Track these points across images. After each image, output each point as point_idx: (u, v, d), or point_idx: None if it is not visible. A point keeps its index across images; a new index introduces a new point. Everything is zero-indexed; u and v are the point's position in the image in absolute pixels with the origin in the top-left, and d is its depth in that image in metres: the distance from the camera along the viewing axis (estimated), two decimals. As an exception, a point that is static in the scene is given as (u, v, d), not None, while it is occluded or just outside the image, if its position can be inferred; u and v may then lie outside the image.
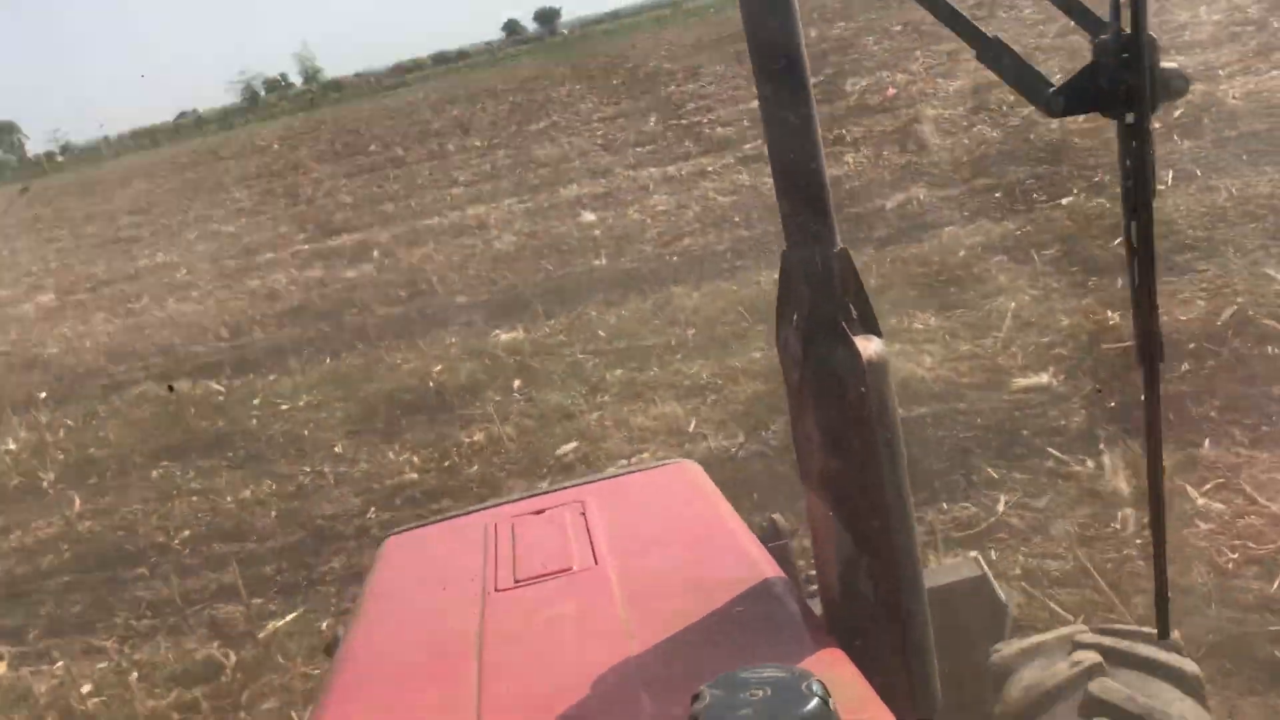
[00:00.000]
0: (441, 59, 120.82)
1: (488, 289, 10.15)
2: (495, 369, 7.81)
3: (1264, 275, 5.95)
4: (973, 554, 2.79)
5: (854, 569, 1.68)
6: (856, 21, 28.87)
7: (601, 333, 8.05)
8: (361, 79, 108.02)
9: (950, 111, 12.67)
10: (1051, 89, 1.23)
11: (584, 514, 2.17)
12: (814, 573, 1.99)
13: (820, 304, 1.59)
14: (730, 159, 13.00)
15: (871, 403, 1.59)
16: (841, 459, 1.63)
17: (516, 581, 1.93)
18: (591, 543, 2.01)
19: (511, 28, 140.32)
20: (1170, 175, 8.20)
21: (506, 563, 2.01)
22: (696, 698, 1.11)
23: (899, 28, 23.98)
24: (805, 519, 1.85)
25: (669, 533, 2.11)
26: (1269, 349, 5.20)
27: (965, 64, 16.33)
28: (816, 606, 1.87)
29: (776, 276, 1.65)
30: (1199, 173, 8.07)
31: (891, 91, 15.04)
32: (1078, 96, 1.21)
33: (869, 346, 1.59)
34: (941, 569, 2.56)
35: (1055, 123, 11.09)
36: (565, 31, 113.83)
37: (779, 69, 1.53)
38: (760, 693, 1.10)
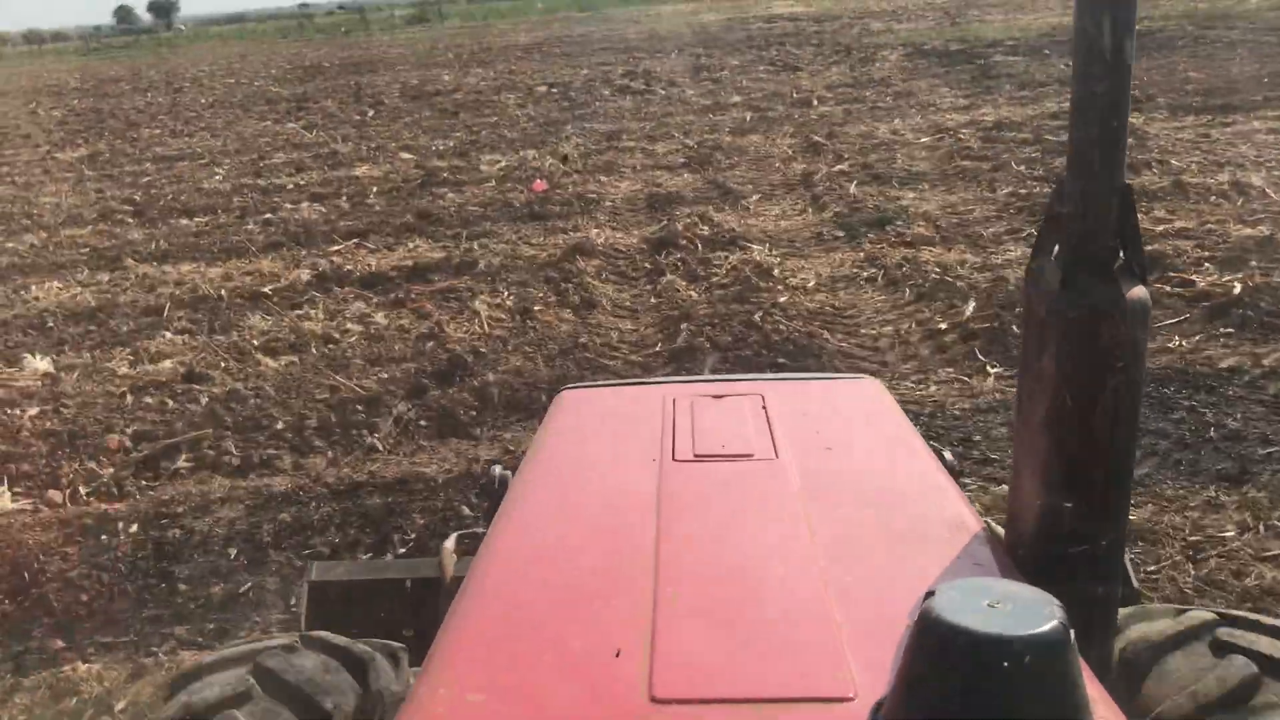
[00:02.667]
0: (34, 37, 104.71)
1: None
2: None
3: None
4: None
5: (1058, 514, 1.51)
6: (495, 70, 24.78)
7: None
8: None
9: (627, 238, 8.75)
10: None
11: (764, 407, 1.99)
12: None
13: (1090, 238, 1.43)
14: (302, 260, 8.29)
15: (1124, 349, 1.43)
16: (1076, 401, 1.45)
17: (696, 456, 1.80)
18: (772, 435, 1.86)
19: (123, 15, 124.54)
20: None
21: (685, 436, 1.87)
22: (931, 593, 1.01)
23: (545, 88, 20.14)
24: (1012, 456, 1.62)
25: (853, 440, 1.96)
26: None
27: (631, 156, 12.65)
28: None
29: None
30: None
31: (541, 185, 10.96)
32: None
33: (1133, 291, 1.43)
34: None
35: (811, 299, 7.46)
36: (182, 27, 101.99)
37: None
38: (1000, 605, 0.98)
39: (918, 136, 12.09)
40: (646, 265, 7.92)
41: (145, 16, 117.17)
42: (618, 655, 1.32)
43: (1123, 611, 1.73)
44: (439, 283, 7.74)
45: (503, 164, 12.51)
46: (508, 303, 7.25)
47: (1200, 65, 15.78)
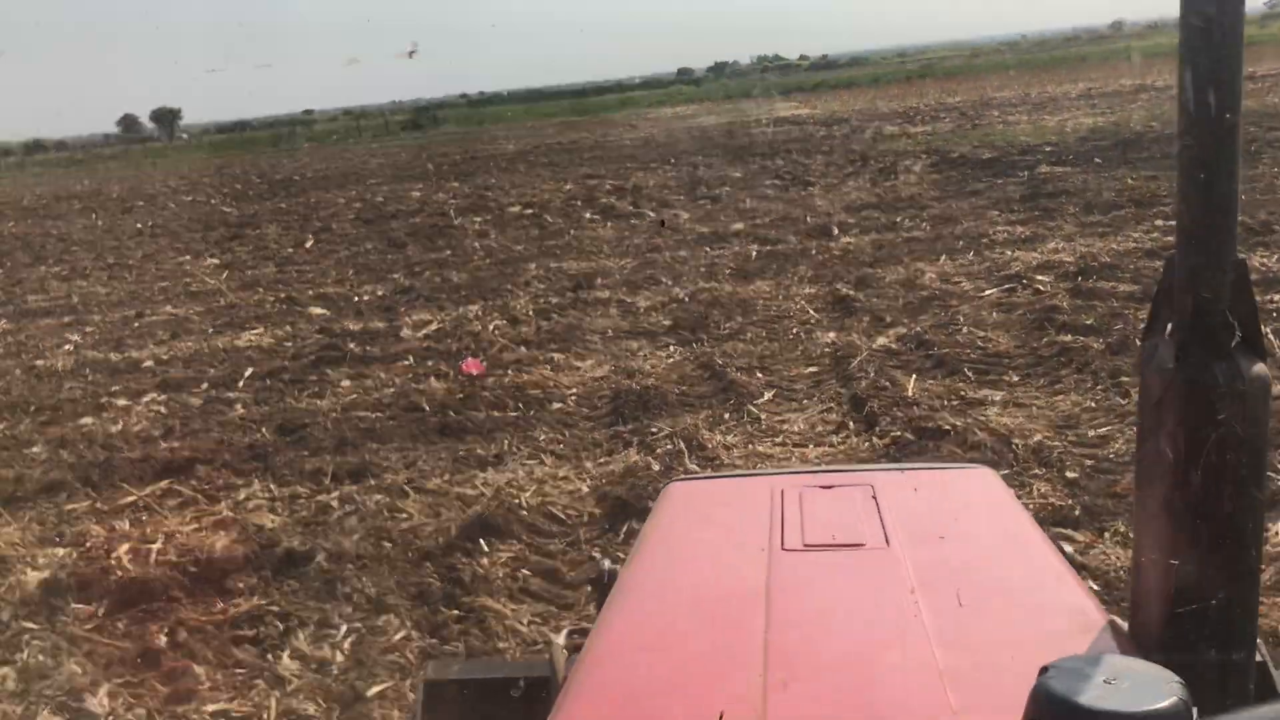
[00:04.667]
0: (35, 148, 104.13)
1: None
2: None
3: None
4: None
5: (1184, 601, 1.40)
6: (472, 184, 21.95)
7: None
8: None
9: (572, 485, 5.61)
10: None
11: (874, 497, 1.92)
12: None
13: (1205, 314, 1.34)
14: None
15: (1243, 431, 1.33)
16: (1196, 484, 1.36)
17: (805, 545, 1.74)
18: (883, 525, 1.79)
19: (128, 124, 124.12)
20: None
21: (794, 526, 1.82)
22: (1046, 669, 0.97)
23: (518, 209, 17.24)
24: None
25: (967, 529, 1.86)
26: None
27: (603, 313, 9.62)
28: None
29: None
30: None
31: (474, 366, 7.88)
32: None
33: (1252, 368, 1.33)
34: None
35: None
36: (185, 135, 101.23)
37: (1210, 55, 1.27)
38: (1116, 682, 0.93)
39: (979, 286, 9.00)
40: (596, 555, 4.73)
41: (150, 125, 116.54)
42: (721, 718, 1.31)
43: None
44: (240, 601, 4.54)
45: (433, 326, 9.43)
46: (338, 658, 4.05)
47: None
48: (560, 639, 2.06)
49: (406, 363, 8.28)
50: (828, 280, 9.90)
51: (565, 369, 7.76)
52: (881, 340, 7.66)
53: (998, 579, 1.64)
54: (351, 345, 8.91)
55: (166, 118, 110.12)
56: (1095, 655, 1.00)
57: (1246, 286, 1.35)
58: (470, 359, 8.11)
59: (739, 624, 1.51)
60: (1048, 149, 18.35)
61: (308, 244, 15.70)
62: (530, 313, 9.58)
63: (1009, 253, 10.20)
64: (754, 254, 11.49)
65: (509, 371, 7.73)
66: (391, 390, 7.49)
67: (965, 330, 7.68)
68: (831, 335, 7.97)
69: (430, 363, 8.22)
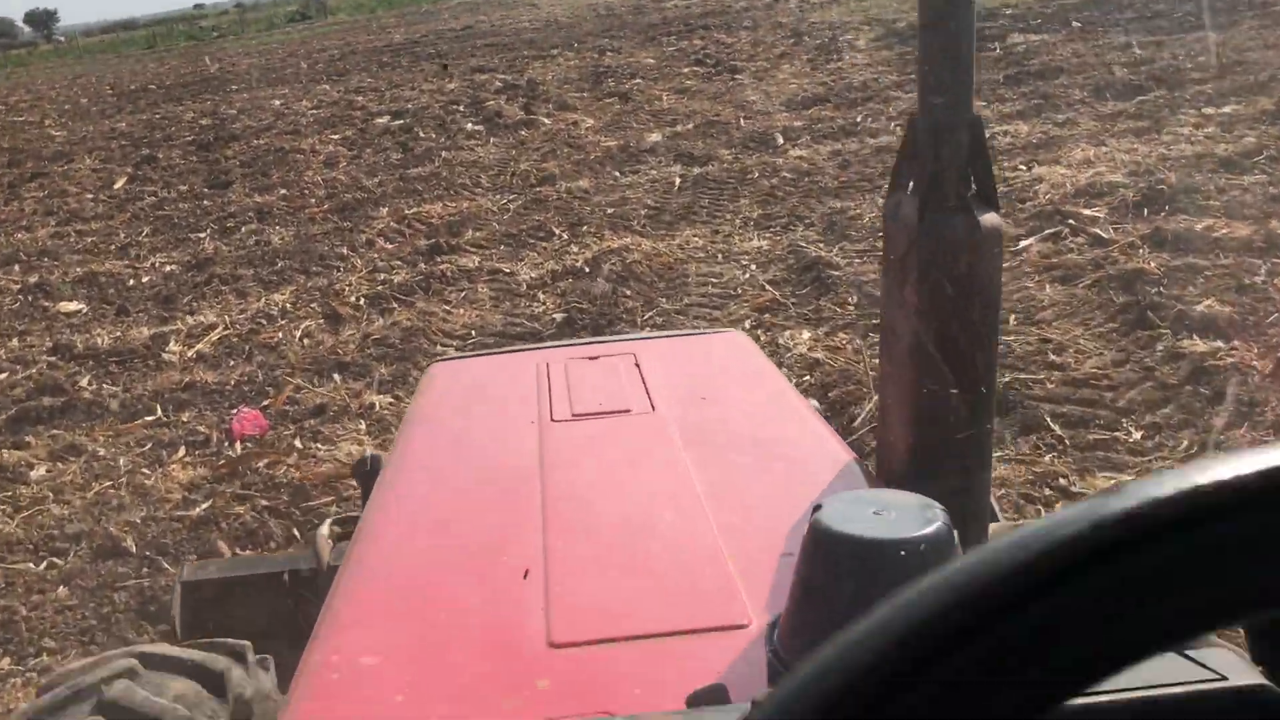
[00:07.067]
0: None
1: None
2: None
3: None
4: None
5: (926, 444, 1.52)
6: (346, 86, 18.17)
7: None
8: None
9: None
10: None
11: (638, 365, 1.97)
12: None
13: (944, 171, 1.44)
14: None
15: (980, 276, 1.45)
16: (937, 330, 1.47)
17: (574, 415, 1.76)
18: (647, 391, 1.85)
19: (3, 29, 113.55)
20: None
21: (562, 398, 1.84)
22: (819, 507, 1.00)
23: (385, 120, 13.75)
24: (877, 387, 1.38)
25: (726, 391, 1.94)
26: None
27: (469, 295, 6.56)
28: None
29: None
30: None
31: (251, 423, 4.83)
32: None
33: (986, 219, 1.46)
34: None
35: None
36: (62, 39, 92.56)
37: None
38: (884, 513, 0.97)
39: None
40: None
41: (25, 29, 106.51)
42: (526, 576, 1.29)
43: None
44: None
45: (216, 334, 6.27)
46: None
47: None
48: (324, 529, 1.90)
49: (151, 418, 5.17)
50: (782, 224, 6.91)
51: (390, 428, 4.73)
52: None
53: (758, 434, 1.68)
54: (84, 381, 5.75)
55: (41, 20, 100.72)
56: (861, 491, 1.05)
57: (982, 143, 1.43)
58: (246, 410, 5.04)
59: (515, 496, 1.49)
60: (1009, 12, 15.27)
61: (117, 184, 12.15)
62: (362, 301, 6.46)
63: (1024, 168, 7.27)
64: (678, 181, 8.38)
65: (299, 436, 4.69)
66: (99, 491, 4.41)
67: (1013, 324, 4.79)
68: (806, 338, 5.02)
69: (187, 416, 5.12)
